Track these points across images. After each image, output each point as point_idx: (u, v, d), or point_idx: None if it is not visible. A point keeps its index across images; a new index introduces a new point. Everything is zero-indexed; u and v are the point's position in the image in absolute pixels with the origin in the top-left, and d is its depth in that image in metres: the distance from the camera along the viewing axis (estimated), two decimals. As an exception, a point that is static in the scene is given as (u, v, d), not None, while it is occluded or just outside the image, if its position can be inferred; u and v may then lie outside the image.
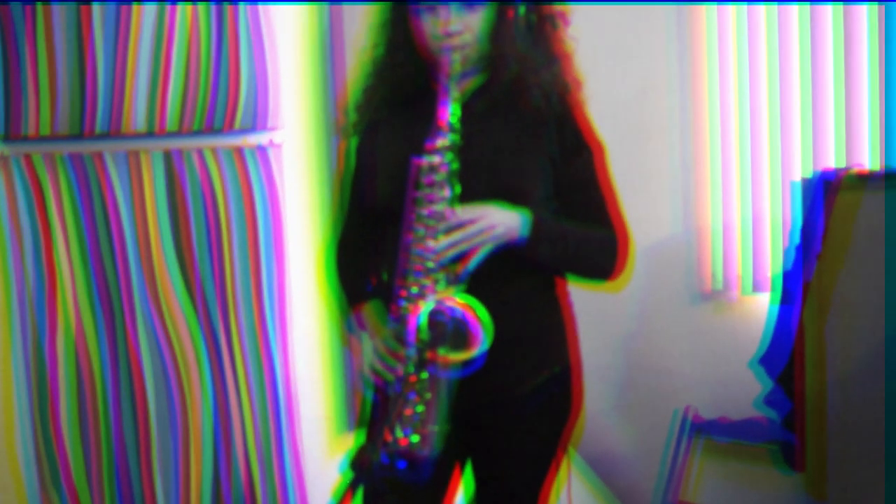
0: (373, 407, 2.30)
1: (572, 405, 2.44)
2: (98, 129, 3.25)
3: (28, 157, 3.28)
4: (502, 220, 2.18)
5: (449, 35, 2.29)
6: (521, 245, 2.23)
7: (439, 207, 2.15)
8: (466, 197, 2.31)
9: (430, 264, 2.15)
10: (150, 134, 3.28)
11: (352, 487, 2.15)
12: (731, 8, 3.59)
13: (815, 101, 3.44)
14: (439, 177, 2.15)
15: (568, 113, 2.38)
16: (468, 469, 2.46)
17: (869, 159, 3.23)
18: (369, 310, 2.39)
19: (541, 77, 2.35)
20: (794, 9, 3.49)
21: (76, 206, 3.29)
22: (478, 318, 2.08)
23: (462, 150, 2.34)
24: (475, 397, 2.22)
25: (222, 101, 3.32)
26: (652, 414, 3.91)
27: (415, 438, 2.09)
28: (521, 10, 2.35)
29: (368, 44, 2.52)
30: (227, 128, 3.31)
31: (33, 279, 3.32)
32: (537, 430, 2.39)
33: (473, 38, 2.31)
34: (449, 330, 2.12)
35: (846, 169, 2.95)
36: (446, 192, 2.16)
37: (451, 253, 2.15)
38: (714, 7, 3.62)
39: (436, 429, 2.13)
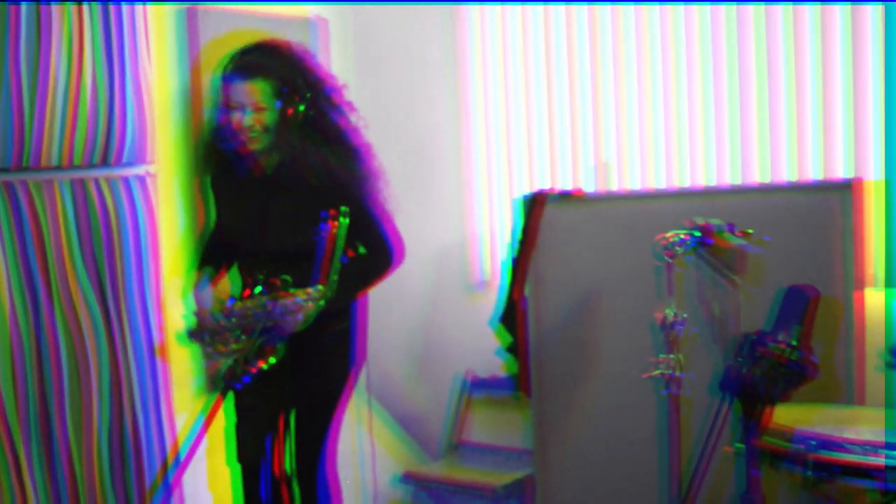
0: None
1: (356, 351, 3.02)
2: (24, 163, 3.40)
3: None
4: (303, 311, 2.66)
5: (240, 129, 2.77)
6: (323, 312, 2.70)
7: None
8: (266, 249, 2.85)
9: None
10: (59, 167, 3.49)
11: (221, 394, 2.81)
12: (492, 69, 4.13)
13: (550, 125, 3.96)
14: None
15: (338, 181, 2.76)
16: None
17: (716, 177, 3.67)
18: (201, 274, 3.01)
19: (309, 160, 2.74)
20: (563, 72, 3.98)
21: (9, 223, 3.42)
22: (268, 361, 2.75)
23: (259, 213, 2.88)
24: (291, 339, 2.78)
25: (113, 141, 3.54)
26: (442, 377, 4.51)
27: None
28: (301, 108, 2.79)
29: (208, 107, 3.02)
30: (115, 162, 3.58)
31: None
32: (330, 362, 2.99)
33: (262, 129, 2.76)
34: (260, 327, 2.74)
35: (549, 189, 3.61)
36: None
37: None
38: (479, 67, 4.17)
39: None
